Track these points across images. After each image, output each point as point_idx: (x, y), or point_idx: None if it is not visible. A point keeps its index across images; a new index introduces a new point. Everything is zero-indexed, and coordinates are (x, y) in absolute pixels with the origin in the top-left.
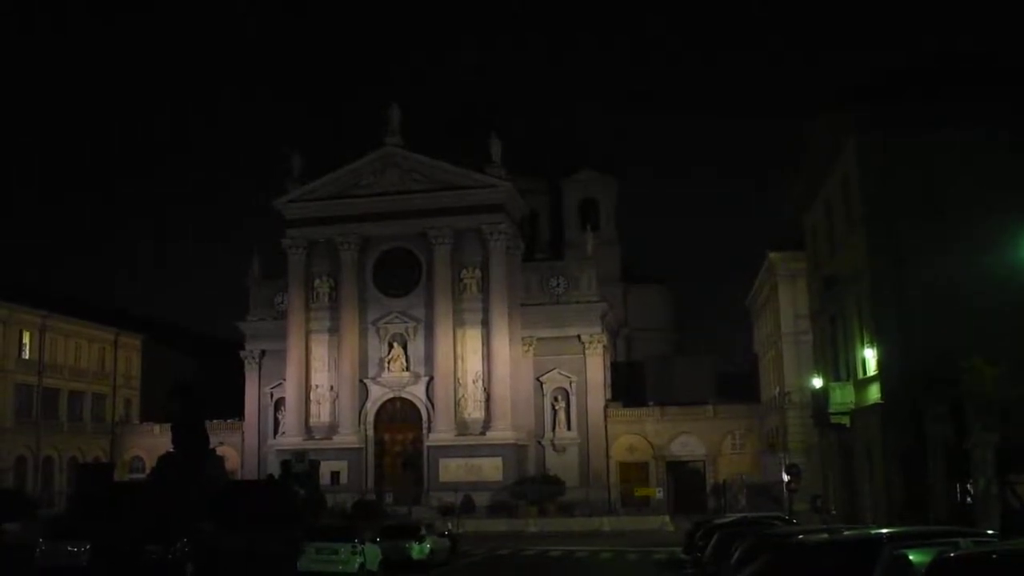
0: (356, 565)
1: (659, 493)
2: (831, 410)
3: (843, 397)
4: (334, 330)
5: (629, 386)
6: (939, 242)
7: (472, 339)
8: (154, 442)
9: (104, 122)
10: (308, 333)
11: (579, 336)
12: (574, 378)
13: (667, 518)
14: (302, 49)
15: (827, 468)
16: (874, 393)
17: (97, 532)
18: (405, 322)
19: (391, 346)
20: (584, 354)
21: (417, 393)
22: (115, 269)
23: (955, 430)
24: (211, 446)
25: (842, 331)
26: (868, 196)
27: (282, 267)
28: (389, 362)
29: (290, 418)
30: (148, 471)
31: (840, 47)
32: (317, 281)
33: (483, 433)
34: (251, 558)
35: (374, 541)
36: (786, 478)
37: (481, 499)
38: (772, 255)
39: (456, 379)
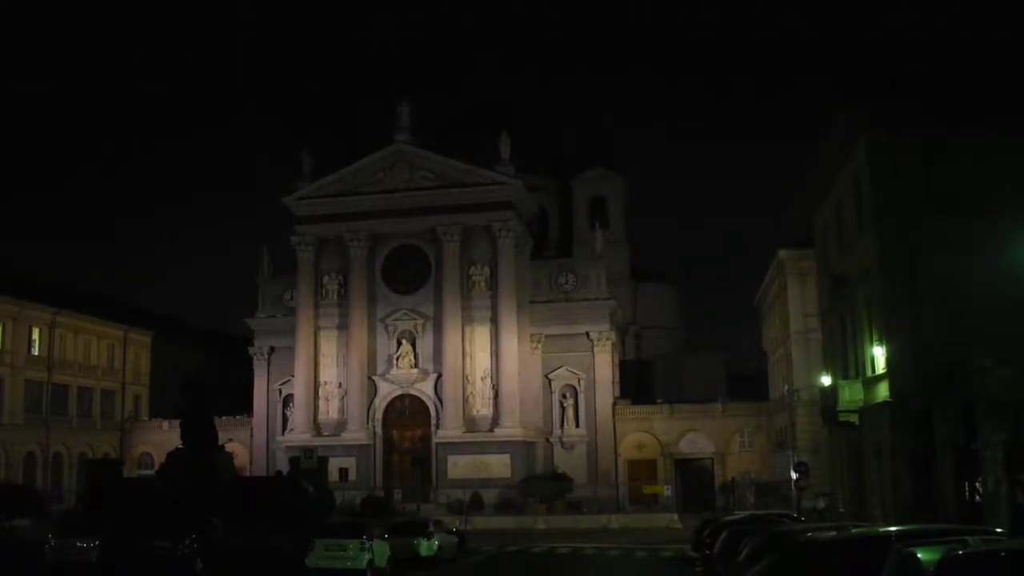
0: (365, 561)
1: (667, 491)
2: (840, 408)
3: (852, 395)
4: (343, 327)
5: (638, 384)
6: (950, 240)
7: (481, 336)
8: (163, 438)
9: (114, 119)
10: (317, 330)
11: (588, 333)
12: (583, 375)
13: (675, 515)
14: (313, 46)
15: (836, 466)
16: (883, 391)
17: (107, 528)
18: (414, 319)
19: (400, 343)
20: (593, 351)
21: (425, 390)
22: (125, 266)
23: (964, 429)
24: (220, 442)
25: (851, 329)
26: (878, 194)
27: (292, 264)
28: (398, 359)
29: (299, 415)
30: (157, 467)
31: (850, 45)
32: (326, 278)
33: (491, 430)
34: (260, 554)
35: (383, 538)
36: (794, 476)
37: (489, 496)
38: (782, 253)
39: (465, 376)
